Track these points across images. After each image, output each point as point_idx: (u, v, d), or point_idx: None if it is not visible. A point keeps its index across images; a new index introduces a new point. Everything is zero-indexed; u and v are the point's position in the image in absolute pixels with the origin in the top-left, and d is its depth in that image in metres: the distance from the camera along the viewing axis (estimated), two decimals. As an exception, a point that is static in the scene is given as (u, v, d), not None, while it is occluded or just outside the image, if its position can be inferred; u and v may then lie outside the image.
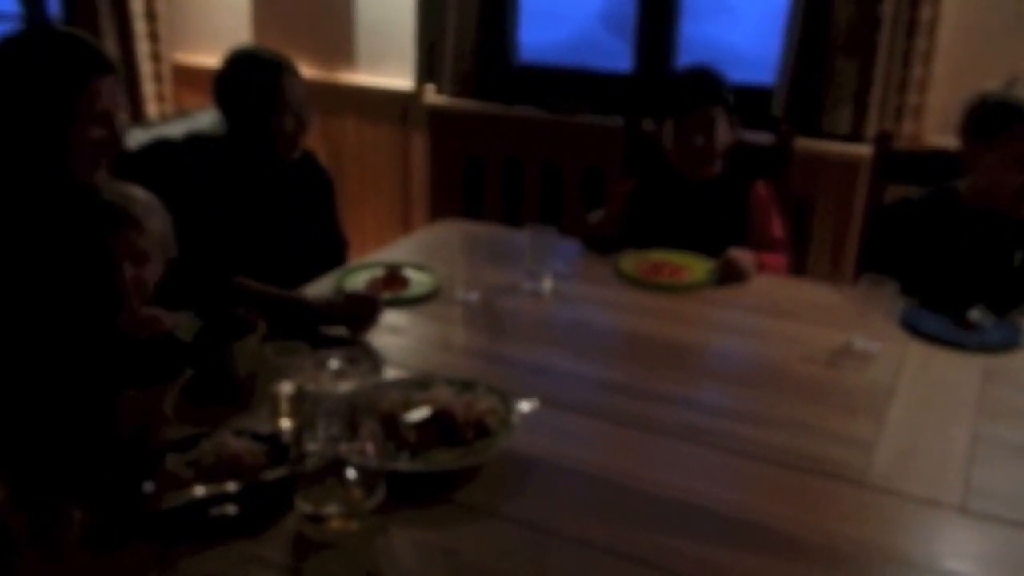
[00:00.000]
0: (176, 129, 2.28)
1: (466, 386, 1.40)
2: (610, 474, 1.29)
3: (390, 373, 1.55)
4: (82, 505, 1.04)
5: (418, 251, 2.21)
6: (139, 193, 1.59)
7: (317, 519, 1.11)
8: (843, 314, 1.81)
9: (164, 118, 3.38)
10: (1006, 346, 1.74)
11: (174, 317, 1.49)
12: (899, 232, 2.06)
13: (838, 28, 2.58)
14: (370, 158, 3.40)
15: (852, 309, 1.76)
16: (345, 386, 1.40)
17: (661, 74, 2.97)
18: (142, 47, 3.44)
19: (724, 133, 2.21)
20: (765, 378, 1.63)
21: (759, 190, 2.25)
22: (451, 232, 2.35)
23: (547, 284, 1.96)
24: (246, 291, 1.70)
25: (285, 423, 1.32)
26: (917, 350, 1.73)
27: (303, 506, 1.11)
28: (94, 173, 1.46)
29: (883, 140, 2.35)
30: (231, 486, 1.15)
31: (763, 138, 2.45)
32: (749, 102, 2.76)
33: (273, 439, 1.26)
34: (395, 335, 1.73)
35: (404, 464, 1.22)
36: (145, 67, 3.46)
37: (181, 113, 3.24)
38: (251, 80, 2.02)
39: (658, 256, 2.14)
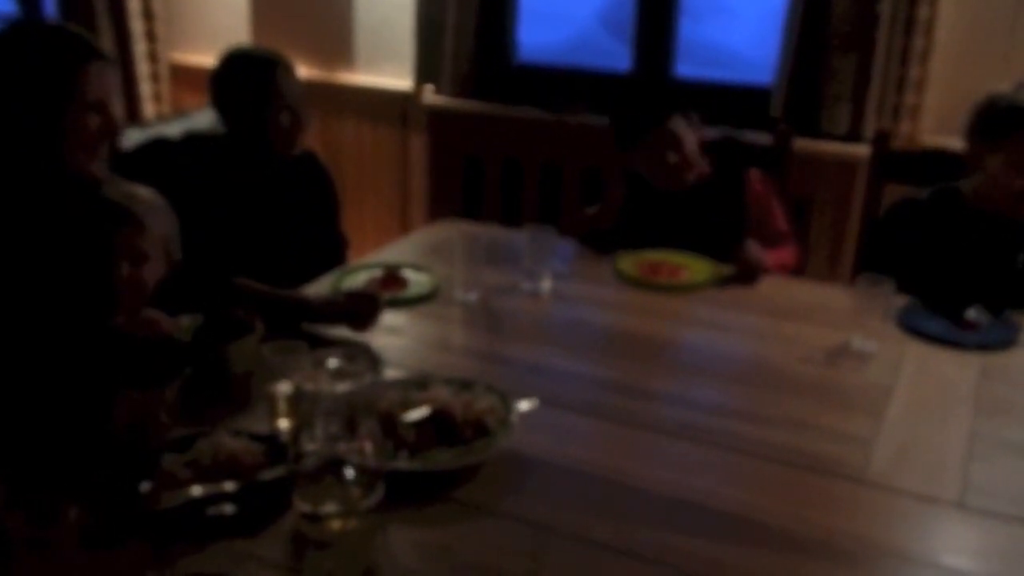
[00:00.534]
0: (173, 129, 2.27)
1: (465, 386, 1.40)
2: (609, 472, 1.29)
3: (389, 373, 1.54)
4: (79, 504, 1.04)
5: (417, 251, 2.21)
6: (144, 193, 1.59)
7: (315, 518, 1.10)
8: (841, 314, 1.81)
9: (161, 118, 3.36)
10: (1003, 344, 1.74)
11: (174, 321, 1.48)
12: (902, 232, 2.06)
13: (836, 26, 2.58)
14: (369, 158, 3.40)
15: (850, 309, 1.76)
16: (343, 386, 1.39)
17: (660, 74, 2.97)
18: (139, 47, 3.44)
19: (690, 138, 2.18)
20: (763, 377, 1.63)
21: (754, 182, 2.22)
22: (450, 232, 2.35)
23: (546, 284, 1.97)
24: (246, 291, 1.70)
25: (283, 423, 1.32)
26: (915, 349, 1.73)
27: (301, 505, 1.11)
28: (91, 162, 1.44)
29: (881, 140, 2.36)
30: (229, 486, 1.15)
31: (762, 138, 2.45)
32: (747, 102, 2.78)
33: (271, 439, 1.27)
34: (394, 335, 1.73)
35: (403, 463, 1.22)
36: (142, 67, 3.46)
37: (178, 113, 3.22)
38: (246, 77, 2.03)
39: (657, 256, 2.13)
